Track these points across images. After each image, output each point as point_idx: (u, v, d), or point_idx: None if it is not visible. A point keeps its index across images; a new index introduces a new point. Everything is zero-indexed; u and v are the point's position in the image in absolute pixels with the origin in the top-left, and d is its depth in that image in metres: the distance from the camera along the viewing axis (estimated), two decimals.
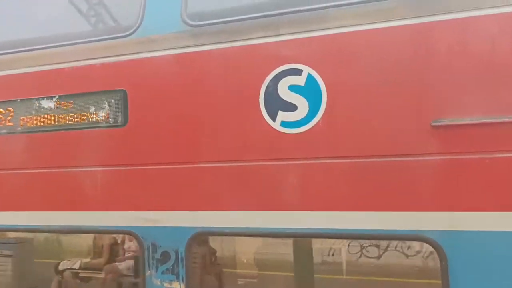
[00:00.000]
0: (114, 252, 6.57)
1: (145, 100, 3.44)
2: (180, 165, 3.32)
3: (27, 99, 3.80)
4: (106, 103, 3.52)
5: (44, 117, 3.73)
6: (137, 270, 3.52)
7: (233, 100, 3.21)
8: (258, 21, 3.18)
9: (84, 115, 3.59)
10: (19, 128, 3.82)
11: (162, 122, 3.38)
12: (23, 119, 3.81)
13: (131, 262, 6.05)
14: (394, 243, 8.17)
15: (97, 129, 3.55)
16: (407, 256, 8.06)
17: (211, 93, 3.26)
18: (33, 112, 3.76)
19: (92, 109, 3.56)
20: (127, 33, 3.51)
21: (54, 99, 3.70)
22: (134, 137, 3.45)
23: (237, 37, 3.22)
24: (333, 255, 8.30)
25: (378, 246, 8.35)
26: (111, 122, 3.51)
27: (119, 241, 6.58)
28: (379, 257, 8.30)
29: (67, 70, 3.67)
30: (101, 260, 6.51)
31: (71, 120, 3.64)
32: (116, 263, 6.35)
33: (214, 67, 3.28)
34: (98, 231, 3.71)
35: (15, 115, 3.84)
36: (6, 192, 3.85)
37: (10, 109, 3.87)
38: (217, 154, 3.24)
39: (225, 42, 3.24)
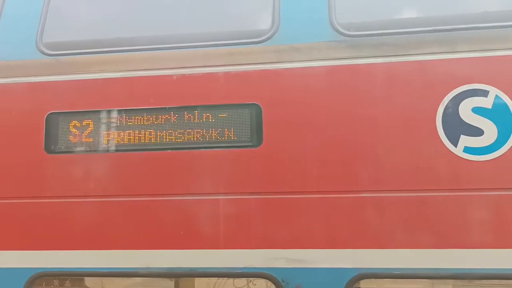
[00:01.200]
0: None
1: (285, 118, 2.92)
2: (335, 195, 2.83)
3: (114, 110, 3.09)
4: (236, 118, 2.95)
5: (140, 133, 3.04)
6: None
7: (401, 122, 2.83)
8: (432, 35, 2.87)
9: (203, 132, 2.97)
10: (102, 146, 3.08)
11: (308, 145, 2.88)
12: (107, 134, 3.09)
13: None
14: None
15: (220, 149, 2.95)
16: None
17: (372, 113, 2.85)
18: (123, 127, 3.06)
19: (215, 125, 2.96)
20: (262, 38, 2.99)
21: (157, 111, 3.03)
22: (271, 160, 2.91)
23: (405, 51, 2.87)
24: None
25: None
26: (241, 141, 2.94)
27: None
28: None
29: (178, 78, 3.04)
30: None
31: (182, 138, 2.99)
32: None
33: (376, 83, 2.88)
34: (217, 274, 3.03)
35: (96, 129, 3.09)
36: (84, 226, 3.04)
37: (88, 121, 3.11)
38: (381, 183, 2.81)
39: (390, 56, 2.87)
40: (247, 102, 2.95)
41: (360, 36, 2.93)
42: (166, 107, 3.02)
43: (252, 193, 2.91)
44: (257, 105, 2.93)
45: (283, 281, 2.81)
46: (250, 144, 2.93)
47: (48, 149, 3.11)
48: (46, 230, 3.05)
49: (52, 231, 3.04)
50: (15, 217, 3.08)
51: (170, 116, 3.02)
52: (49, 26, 3.29)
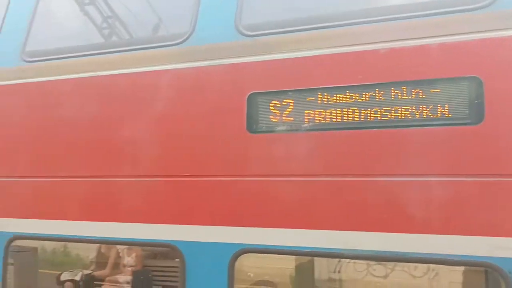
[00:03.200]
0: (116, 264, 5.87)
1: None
2: None
3: (314, 88, 3.03)
4: (451, 93, 2.71)
5: (343, 111, 2.95)
6: None
7: None
8: None
9: (412, 109, 2.78)
10: (303, 125, 3.05)
11: None
12: (308, 113, 3.04)
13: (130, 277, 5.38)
14: None
15: (432, 127, 2.74)
16: None
17: None
18: (325, 105, 2.99)
19: (427, 101, 2.75)
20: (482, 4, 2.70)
21: (361, 88, 2.91)
22: (493, 139, 2.63)
23: None
24: None
25: None
26: (457, 119, 2.69)
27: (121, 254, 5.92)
28: None
29: (381, 52, 2.88)
30: (103, 272, 5.82)
31: (389, 115, 2.84)
32: (117, 276, 5.64)
33: None
34: (430, 261, 2.88)
35: (296, 108, 3.07)
36: (287, 205, 3.06)
37: (289, 100, 3.10)
38: None
39: None
40: (465, 75, 2.69)
41: None
42: (370, 84, 2.89)
43: (470, 175, 2.66)
44: (477, 78, 2.65)
45: (510, 273, 2.53)
46: (468, 121, 2.67)
47: (250, 129, 3.16)
48: (250, 207, 3.11)
49: (257, 209, 3.10)
50: (221, 194, 3.19)
51: (375, 93, 2.88)
52: (246, 7, 3.32)
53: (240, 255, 3.10)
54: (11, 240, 3.75)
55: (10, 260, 3.83)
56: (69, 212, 3.58)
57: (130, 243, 3.64)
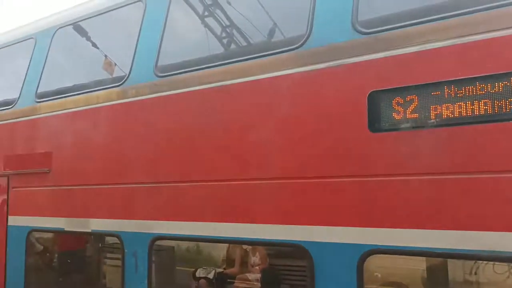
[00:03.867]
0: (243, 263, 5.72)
1: None
2: None
3: (440, 82, 2.89)
4: None
5: (473, 104, 2.77)
6: None
7: None
8: None
9: None
10: (429, 121, 2.93)
11: None
12: (434, 108, 2.91)
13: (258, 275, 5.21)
14: None
15: None
16: None
17: None
18: (452, 99, 2.84)
19: None
20: None
21: (493, 79, 2.71)
22: None
23: None
24: None
25: None
26: None
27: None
28: None
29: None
30: (233, 270, 5.70)
31: None
32: (247, 274, 5.47)
33: None
34: None
35: (421, 104, 2.96)
36: (417, 205, 2.96)
37: (412, 96, 3.00)
38: None
39: None
40: None
41: None
42: (503, 73, 2.68)
43: None
44: None
45: None
46: None
47: (372, 128, 3.12)
48: (377, 208, 3.07)
49: (384, 209, 3.05)
50: (347, 194, 3.19)
51: (510, 82, 2.67)
52: (363, 4, 3.29)
53: (369, 256, 3.07)
54: (154, 240, 4.13)
55: (152, 258, 4.22)
56: (203, 214, 3.84)
57: (260, 243, 3.79)
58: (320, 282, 3.22)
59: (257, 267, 5.67)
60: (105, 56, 5.06)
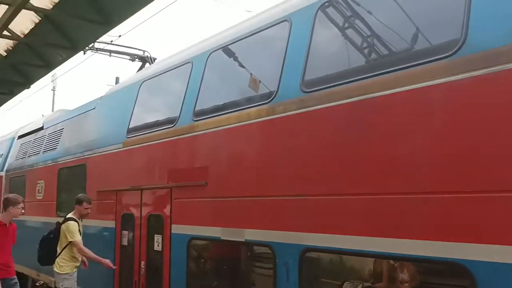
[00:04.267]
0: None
1: None
2: None
3: None
4: None
5: None
6: None
7: None
8: None
9: None
10: None
11: None
12: None
13: None
14: None
15: None
16: None
17: None
18: None
19: None
20: None
21: None
22: None
23: None
24: None
25: None
26: None
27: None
28: None
29: None
30: (381, 285, 5.00)
31: None
32: None
33: None
34: None
35: None
36: None
37: None
38: None
39: None
40: None
41: None
42: None
43: None
44: None
45: None
46: None
47: None
48: None
49: None
50: None
51: None
52: None
53: None
54: (304, 252, 4.23)
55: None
56: (353, 227, 3.84)
57: (413, 260, 3.64)
58: None
59: (406, 284, 5.41)
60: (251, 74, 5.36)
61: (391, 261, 4.36)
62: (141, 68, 10.77)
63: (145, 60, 11.16)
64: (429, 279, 3.79)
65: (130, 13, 7.45)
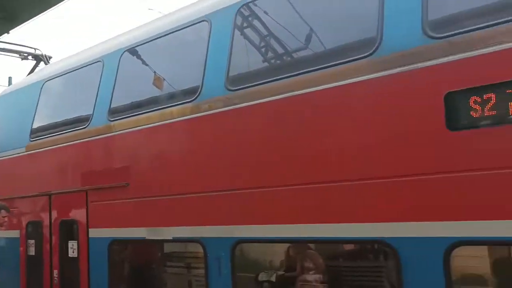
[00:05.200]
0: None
1: None
2: None
3: None
4: None
5: None
6: None
7: None
8: None
9: None
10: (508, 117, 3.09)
11: None
12: None
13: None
14: None
15: None
16: None
17: None
18: None
19: None
20: None
21: None
22: None
23: None
24: None
25: None
26: None
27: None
28: None
29: None
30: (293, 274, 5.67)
31: None
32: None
33: None
34: None
35: (498, 102, 3.12)
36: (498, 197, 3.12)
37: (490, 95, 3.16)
38: None
39: None
40: None
41: None
42: None
43: None
44: None
45: None
46: None
47: (451, 126, 3.29)
48: (457, 202, 3.25)
49: (464, 203, 3.22)
50: (429, 191, 3.37)
51: None
52: (432, 8, 3.47)
53: (455, 248, 3.23)
54: (235, 245, 4.37)
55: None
56: (282, 217, 4.10)
57: (342, 242, 3.99)
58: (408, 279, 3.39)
59: (311, 272, 5.70)
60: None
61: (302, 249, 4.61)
62: (35, 67, 10.08)
63: (39, 58, 10.45)
64: (357, 257, 4.18)
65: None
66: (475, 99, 3.21)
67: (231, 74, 4.62)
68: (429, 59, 3.42)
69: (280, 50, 4.57)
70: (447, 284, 3.20)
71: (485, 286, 3.66)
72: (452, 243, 3.23)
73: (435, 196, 3.35)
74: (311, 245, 4.47)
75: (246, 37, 4.82)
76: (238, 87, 4.51)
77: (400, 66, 3.56)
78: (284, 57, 4.60)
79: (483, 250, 3.47)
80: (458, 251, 3.27)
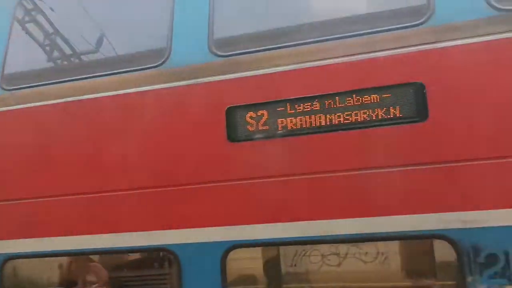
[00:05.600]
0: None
1: (449, 94, 3.20)
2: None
3: (284, 100, 3.50)
4: (400, 97, 3.27)
5: (311, 118, 3.43)
6: (453, 276, 3.27)
7: None
8: None
9: (371, 112, 3.31)
10: (278, 131, 3.50)
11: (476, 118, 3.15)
12: (281, 121, 3.50)
13: None
14: None
15: (387, 126, 3.28)
16: None
17: None
18: (295, 114, 3.46)
19: (383, 104, 3.29)
20: (419, 21, 3.28)
21: (326, 98, 3.41)
22: (437, 132, 3.20)
23: None
24: None
25: None
26: (407, 117, 3.25)
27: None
28: None
29: (344, 65, 3.39)
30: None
31: (354, 119, 3.34)
32: None
33: None
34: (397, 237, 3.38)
35: (270, 118, 3.52)
36: (268, 203, 3.49)
37: (262, 111, 3.54)
38: None
39: None
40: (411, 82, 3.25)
41: None
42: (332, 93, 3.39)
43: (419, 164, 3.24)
44: (421, 83, 3.23)
45: (459, 241, 3.11)
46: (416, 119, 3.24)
47: (230, 138, 3.57)
48: (236, 208, 3.54)
49: (242, 209, 3.53)
50: (214, 198, 3.58)
51: (335, 100, 3.38)
52: (217, 29, 3.74)
53: (230, 251, 3.50)
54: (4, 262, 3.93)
55: None
56: (65, 228, 3.84)
57: (125, 251, 3.93)
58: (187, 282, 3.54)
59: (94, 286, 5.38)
60: None
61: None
62: None
63: None
64: (142, 266, 4.17)
65: None
66: (251, 115, 3.55)
67: (6, 72, 4.17)
68: (214, 75, 3.66)
69: (67, 51, 4.32)
70: (222, 285, 3.44)
71: (257, 284, 4.05)
72: (228, 246, 3.49)
73: (212, 203, 3.57)
74: (94, 257, 4.29)
75: (28, 32, 4.43)
76: (15, 87, 4.10)
77: (187, 79, 3.72)
78: (72, 59, 4.36)
79: (256, 251, 3.84)
80: (233, 254, 3.55)
